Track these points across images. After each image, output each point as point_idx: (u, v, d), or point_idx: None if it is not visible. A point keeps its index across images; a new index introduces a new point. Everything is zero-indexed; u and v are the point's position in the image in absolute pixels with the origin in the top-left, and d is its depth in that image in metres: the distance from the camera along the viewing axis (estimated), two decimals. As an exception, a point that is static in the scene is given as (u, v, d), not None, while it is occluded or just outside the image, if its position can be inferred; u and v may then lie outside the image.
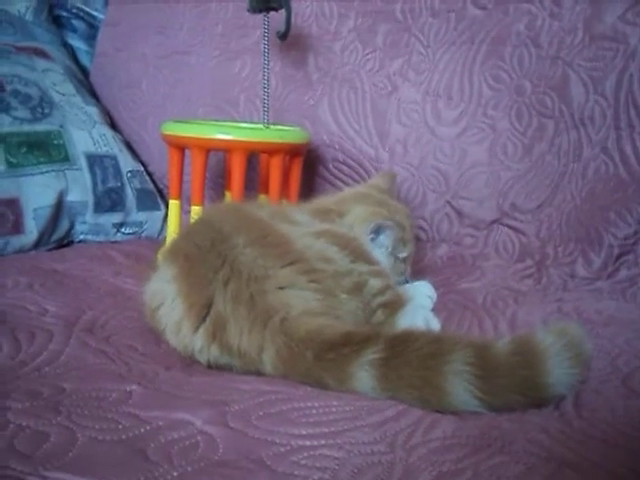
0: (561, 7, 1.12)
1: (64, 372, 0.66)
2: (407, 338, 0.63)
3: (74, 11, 1.58)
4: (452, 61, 1.20)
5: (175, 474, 0.47)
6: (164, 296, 0.73)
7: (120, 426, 0.54)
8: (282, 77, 1.32)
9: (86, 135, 1.32)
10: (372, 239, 0.92)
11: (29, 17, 1.50)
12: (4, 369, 0.65)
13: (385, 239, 0.93)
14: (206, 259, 0.72)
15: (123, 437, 0.52)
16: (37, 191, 1.21)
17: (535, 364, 0.60)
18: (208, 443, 0.52)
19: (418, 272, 1.07)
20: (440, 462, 0.51)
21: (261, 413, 0.57)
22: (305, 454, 0.51)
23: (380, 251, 0.92)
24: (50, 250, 1.22)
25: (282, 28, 1.16)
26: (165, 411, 0.56)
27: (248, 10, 1.14)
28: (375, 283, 0.80)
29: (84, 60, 1.58)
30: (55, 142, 1.27)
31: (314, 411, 0.58)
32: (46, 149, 1.25)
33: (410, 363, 0.61)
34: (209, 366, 0.70)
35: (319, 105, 1.27)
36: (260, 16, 1.14)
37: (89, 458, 0.49)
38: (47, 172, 1.22)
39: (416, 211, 1.19)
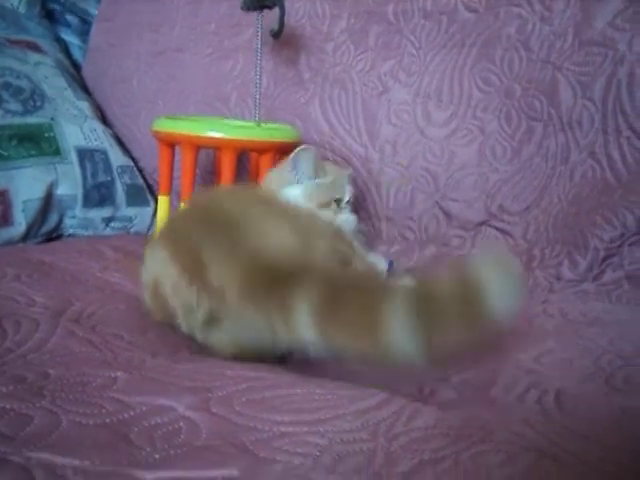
0: (551, 11, 1.13)
1: (49, 359, 0.66)
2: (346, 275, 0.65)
3: (67, 5, 1.59)
4: (443, 63, 1.21)
5: (157, 457, 0.47)
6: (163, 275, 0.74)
7: (104, 410, 0.54)
8: (274, 76, 1.32)
9: (77, 129, 1.32)
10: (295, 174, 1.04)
11: (22, 10, 1.51)
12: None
13: (305, 164, 1.03)
14: (195, 231, 0.73)
15: (107, 421, 0.52)
16: (27, 183, 1.21)
17: (474, 289, 0.57)
18: (190, 428, 0.52)
19: (406, 272, 1.08)
20: (421, 450, 0.51)
21: (244, 399, 0.57)
22: (287, 440, 0.51)
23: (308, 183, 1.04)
24: (39, 243, 1.22)
25: (275, 26, 1.17)
26: (149, 397, 0.57)
27: (242, 7, 1.14)
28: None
29: (77, 55, 1.59)
30: (46, 135, 1.27)
31: (297, 398, 0.59)
32: (37, 142, 1.25)
33: (348, 301, 0.61)
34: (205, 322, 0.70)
35: (310, 104, 1.28)
36: (253, 15, 1.15)
37: (72, 440, 0.49)
38: (37, 165, 1.23)
39: (405, 211, 1.20)
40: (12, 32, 1.44)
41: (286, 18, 1.29)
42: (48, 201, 1.23)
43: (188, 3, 1.44)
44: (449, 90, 1.20)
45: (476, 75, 1.19)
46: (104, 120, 1.43)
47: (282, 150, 1.14)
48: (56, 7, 1.58)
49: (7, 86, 1.27)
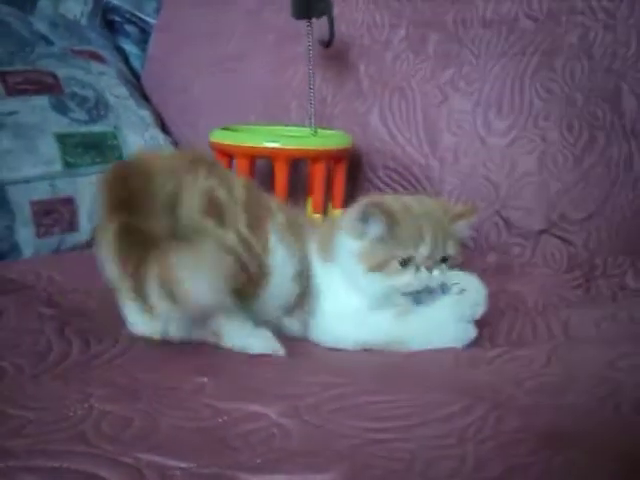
0: (615, 19, 1.13)
1: (135, 364, 0.68)
2: None
3: (127, 16, 1.62)
4: (503, 72, 1.21)
5: (258, 461, 0.49)
6: None
7: (198, 415, 0.55)
8: (333, 85, 1.33)
9: (139, 137, 1.35)
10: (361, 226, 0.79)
11: (84, 22, 1.54)
12: (78, 362, 0.67)
13: (376, 226, 0.79)
14: None
15: (202, 425, 0.54)
16: (92, 190, 1.23)
17: None
18: (284, 435, 0.53)
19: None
20: (510, 455, 0.51)
21: (333, 407, 0.58)
22: (379, 446, 0.52)
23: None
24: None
25: (326, 36, 1.18)
26: (240, 403, 0.58)
27: (292, 15, 1.16)
28: None
29: (136, 64, 1.62)
30: (110, 143, 1.30)
31: (384, 405, 0.60)
32: (101, 150, 1.28)
33: None
34: None
35: (370, 113, 1.29)
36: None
37: (174, 442, 0.50)
38: (102, 172, 1.25)
39: (465, 219, 1.20)
40: (75, 43, 1.47)
41: (345, 27, 1.31)
42: (112, 208, 1.25)
43: (247, 13, 1.46)
44: (509, 99, 1.20)
45: (537, 84, 1.18)
46: (163, 128, 1.45)
47: (335, 157, 1.16)
48: (116, 18, 1.61)
49: (73, 95, 1.30)
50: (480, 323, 0.91)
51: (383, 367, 0.77)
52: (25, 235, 1.17)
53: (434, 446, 0.53)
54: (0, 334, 0.72)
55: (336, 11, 1.20)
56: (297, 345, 0.83)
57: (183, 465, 0.47)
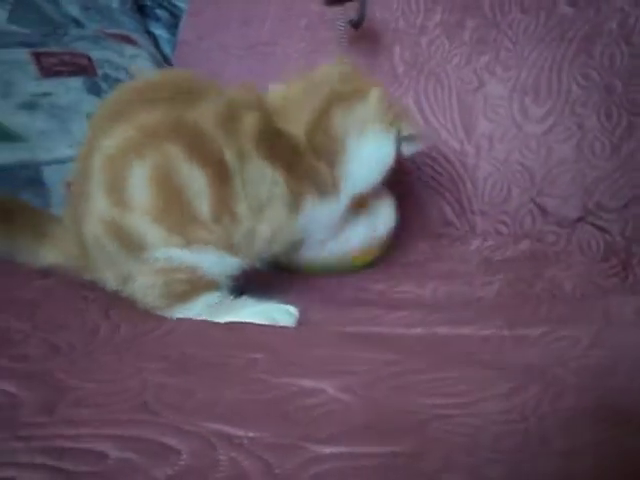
0: (656, 5, 1.12)
1: (184, 341, 0.67)
2: None
3: (158, 1, 1.61)
4: (540, 58, 1.20)
5: (324, 435, 0.48)
6: None
7: (255, 389, 0.55)
8: (368, 69, 1.33)
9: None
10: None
11: (115, 5, 1.54)
12: (127, 339, 0.67)
13: None
14: None
15: (262, 398, 0.53)
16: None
17: None
18: (345, 409, 0.53)
19: (501, 262, 1.08)
20: (574, 432, 0.51)
21: (391, 384, 0.58)
22: (444, 422, 0.52)
23: None
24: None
25: (355, 16, 1.18)
26: (295, 379, 0.58)
27: (324, 3, 1.16)
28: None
29: (165, 48, 1.61)
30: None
31: (439, 383, 0.59)
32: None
33: None
34: None
35: (405, 97, 1.28)
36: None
37: (238, 414, 0.50)
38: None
39: (500, 206, 1.19)
40: (107, 26, 1.47)
41: (379, 12, 1.31)
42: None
43: (280, -3, 1.45)
44: (547, 85, 1.19)
45: (575, 70, 1.17)
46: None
47: None
48: (147, 2, 1.61)
49: (106, 77, 1.30)
50: (518, 304, 0.91)
51: (428, 345, 0.77)
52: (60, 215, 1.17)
53: (498, 421, 0.52)
54: (48, 314, 0.72)
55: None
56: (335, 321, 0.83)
57: (250, 434, 0.46)
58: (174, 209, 0.75)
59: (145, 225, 0.74)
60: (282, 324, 0.79)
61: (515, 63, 1.22)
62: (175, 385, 0.54)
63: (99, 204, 0.74)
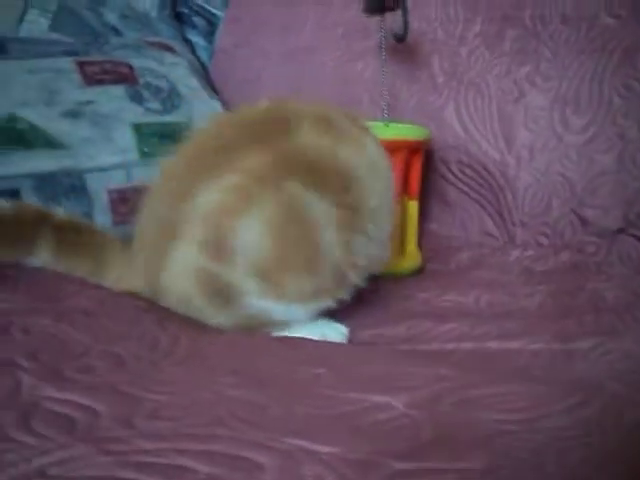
0: (700, 16, 1.12)
1: (246, 353, 0.68)
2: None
3: (195, 8, 1.63)
4: (581, 69, 1.20)
5: (401, 448, 0.49)
6: None
7: (324, 404, 0.56)
8: (407, 79, 1.33)
9: (211, 129, 1.35)
10: None
11: (153, 14, 1.55)
12: (190, 350, 0.68)
13: None
14: None
15: (333, 413, 0.54)
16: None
17: None
18: (415, 425, 0.53)
19: (542, 273, 1.08)
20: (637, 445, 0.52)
21: (453, 399, 0.58)
22: (510, 437, 0.52)
23: None
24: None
25: (400, 30, 1.18)
26: (361, 394, 0.58)
27: (363, 11, 1.16)
28: None
29: (202, 55, 1.63)
30: (184, 133, 1.30)
31: (499, 398, 0.59)
32: (176, 140, 1.28)
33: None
34: None
35: (445, 108, 1.28)
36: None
37: (313, 428, 0.50)
38: (176, 163, 1.26)
39: (540, 217, 1.19)
40: (145, 34, 1.49)
41: (418, 22, 1.31)
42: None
43: (317, 4, 1.46)
44: (588, 96, 1.19)
45: (617, 81, 1.17)
46: (232, 120, 1.46)
47: (411, 149, 1.15)
48: (184, 10, 1.62)
49: (148, 86, 1.31)
50: (563, 316, 0.91)
51: (480, 360, 0.77)
52: (102, 222, 1.18)
53: (562, 437, 0.53)
54: (105, 324, 0.72)
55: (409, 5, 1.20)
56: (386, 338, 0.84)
57: (329, 450, 0.47)
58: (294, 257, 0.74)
59: (247, 279, 0.72)
60: (333, 340, 0.80)
61: (556, 74, 1.22)
62: (246, 399, 0.55)
63: (194, 256, 0.72)
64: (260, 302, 0.74)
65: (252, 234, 0.70)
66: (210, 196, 0.71)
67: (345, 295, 0.83)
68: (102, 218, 1.18)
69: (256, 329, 0.77)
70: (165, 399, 0.54)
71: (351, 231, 0.77)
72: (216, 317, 0.75)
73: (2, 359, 0.62)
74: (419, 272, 1.15)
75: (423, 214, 1.25)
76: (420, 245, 1.19)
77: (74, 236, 0.81)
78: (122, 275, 0.81)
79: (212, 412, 0.52)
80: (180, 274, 0.74)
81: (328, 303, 0.81)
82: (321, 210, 0.73)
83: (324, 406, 0.55)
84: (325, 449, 0.47)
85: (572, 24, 1.22)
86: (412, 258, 1.16)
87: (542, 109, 1.22)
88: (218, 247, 0.71)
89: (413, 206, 1.17)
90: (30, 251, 0.80)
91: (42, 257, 0.80)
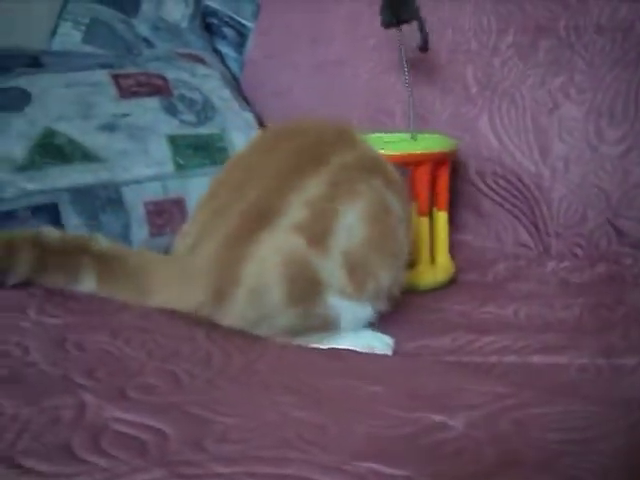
0: None
1: (298, 369, 0.69)
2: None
3: (225, 19, 1.64)
4: (617, 80, 1.20)
5: (466, 473, 0.49)
6: None
7: (385, 423, 0.56)
8: (440, 90, 1.34)
9: (244, 139, 1.35)
10: None
11: (184, 25, 1.56)
12: (243, 367, 0.68)
13: None
14: None
15: (397, 433, 0.54)
16: (201, 192, 1.25)
17: None
18: (477, 447, 0.53)
19: (579, 285, 1.08)
20: None
21: (511, 419, 0.58)
22: (573, 459, 0.52)
23: None
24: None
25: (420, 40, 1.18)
26: (420, 412, 0.58)
27: (382, 25, 1.16)
28: None
29: (232, 66, 1.63)
30: (218, 145, 1.31)
31: (556, 417, 0.60)
32: (210, 152, 1.30)
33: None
34: None
35: (479, 118, 1.29)
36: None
37: (379, 450, 0.51)
38: (210, 174, 1.26)
39: (575, 228, 1.19)
40: (175, 46, 1.50)
41: (451, 33, 1.31)
42: (219, 209, 1.27)
43: (348, 17, 1.47)
44: (623, 107, 1.19)
45: (653, 92, 1.18)
46: (263, 130, 1.47)
47: (437, 161, 1.14)
48: (214, 21, 1.63)
49: (182, 98, 1.32)
50: (605, 330, 0.91)
51: (526, 375, 0.78)
52: (139, 235, 1.19)
53: (623, 457, 0.53)
54: (159, 340, 0.73)
55: (441, 17, 1.21)
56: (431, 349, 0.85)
57: (400, 473, 0.47)
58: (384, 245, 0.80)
59: (335, 271, 0.76)
60: (379, 352, 0.81)
61: (590, 85, 1.22)
62: (309, 420, 0.55)
63: (289, 240, 0.75)
64: (336, 299, 0.77)
65: (351, 219, 0.76)
66: (313, 187, 0.76)
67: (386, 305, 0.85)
68: (139, 231, 1.19)
69: (311, 333, 0.78)
70: (231, 421, 0.54)
71: (410, 231, 0.85)
72: (282, 314, 0.76)
73: (61, 376, 0.63)
74: (451, 283, 1.15)
75: (456, 225, 1.25)
76: (452, 256, 1.19)
77: (116, 264, 0.83)
78: (169, 297, 0.81)
79: (279, 434, 0.52)
80: (266, 259, 0.74)
81: (384, 307, 0.84)
82: (397, 208, 0.82)
83: (385, 426, 0.55)
84: (401, 472, 0.47)
85: (607, 34, 1.22)
86: (443, 269, 1.16)
87: (577, 120, 1.22)
88: (317, 230, 0.75)
89: (442, 217, 1.17)
90: (75, 279, 0.83)
91: (86, 285, 0.83)
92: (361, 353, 0.77)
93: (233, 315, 0.76)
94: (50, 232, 0.84)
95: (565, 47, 1.25)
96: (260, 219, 0.75)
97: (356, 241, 0.77)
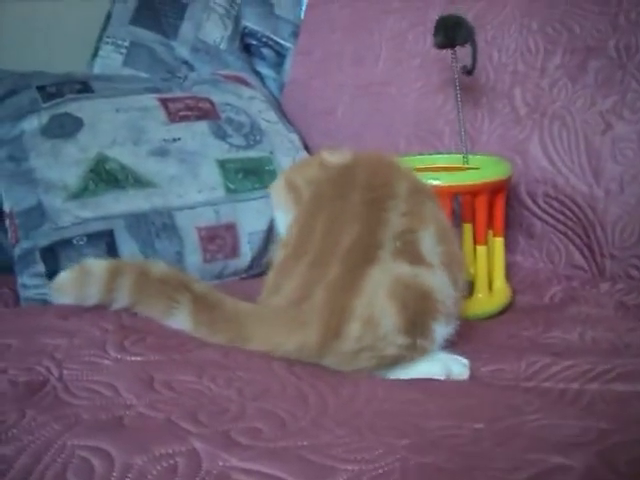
0: None
1: (394, 408, 0.68)
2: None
3: (263, 40, 1.64)
4: (670, 100, 1.20)
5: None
6: None
7: (503, 466, 0.55)
8: (489, 111, 1.33)
9: (290, 161, 1.36)
10: None
11: (223, 46, 1.56)
12: (337, 405, 0.68)
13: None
14: None
15: (521, 478, 0.53)
16: (252, 216, 1.25)
17: None
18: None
19: (637, 309, 1.07)
20: None
21: (626, 458, 0.57)
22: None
23: None
24: (259, 274, 1.26)
25: (468, 63, 1.18)
26: (534, 453, 0.57)
27: (434, 46, 1.16)
28: None
29: (271, 87, 1.63)
30: (267, 168, 1.31)
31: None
32: (260, 175, 1.29)
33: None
34: None
35: (529, 140, 1.28)
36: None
37: None
38: (261, 198, 1.27)
39: (631, 250, 1.18)
40: (216, 67, 1.50)
41: (497, 54, 1.31)
42: (269, 233, 1.27)
43: (392, 37, 1.46)
44: (677, 128, 1.19)
45: None
46: (307, 152, 1.46)
47: (495, 188, 1.12)
48: (252, 41, 1.63)
49: (230, 121, 1.32)
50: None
51: (613, 403, 0.76)
52: (193, 261, 1.19)
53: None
54: (241, 376, 0.73)
55: (486, 38, 1.20)
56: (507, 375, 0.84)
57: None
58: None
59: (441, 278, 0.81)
60: (457, 375, 0.81)
61: (643, 105, 1.21)
62: (428, 465, 0.55)
63: (390, 267, 0.77)
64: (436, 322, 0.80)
65: (429, 244, 0.80)
66: (394, 220, 0.80)
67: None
68: (192, 257, 1.19)
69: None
70: (353, 469, 0.53)
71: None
72: (394, 342, 0.77)
73: (163, 420, 0.63)
74: (509, 306, 1.15)
75: (508, 246, 1.24)
76: (507, 278, 1.18)
77: (214, 307, 0.83)
78: (267, 339, 0.80)
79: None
80: (377, 287, 0.76)
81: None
82: (447, 221, 0.88)
83: (507, 469, 0.54)
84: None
85: (659, 54, 1.21)
86: (500, 295, 1.15)
87: (630, 141, 1.21)
88: (414, 254, 0.79)
89: (499, 243, 1.17)
90: (171, 313, 0.83)
91: (179, 320, 0.83)
92: (451, 384, 0.77)
93: (346, 348, 0.76)
94: (157, 264, 0.86)
95: (616, 67, 1.24)
96: (361, 260, 0.77)
97: (441, 249, 0.81)
